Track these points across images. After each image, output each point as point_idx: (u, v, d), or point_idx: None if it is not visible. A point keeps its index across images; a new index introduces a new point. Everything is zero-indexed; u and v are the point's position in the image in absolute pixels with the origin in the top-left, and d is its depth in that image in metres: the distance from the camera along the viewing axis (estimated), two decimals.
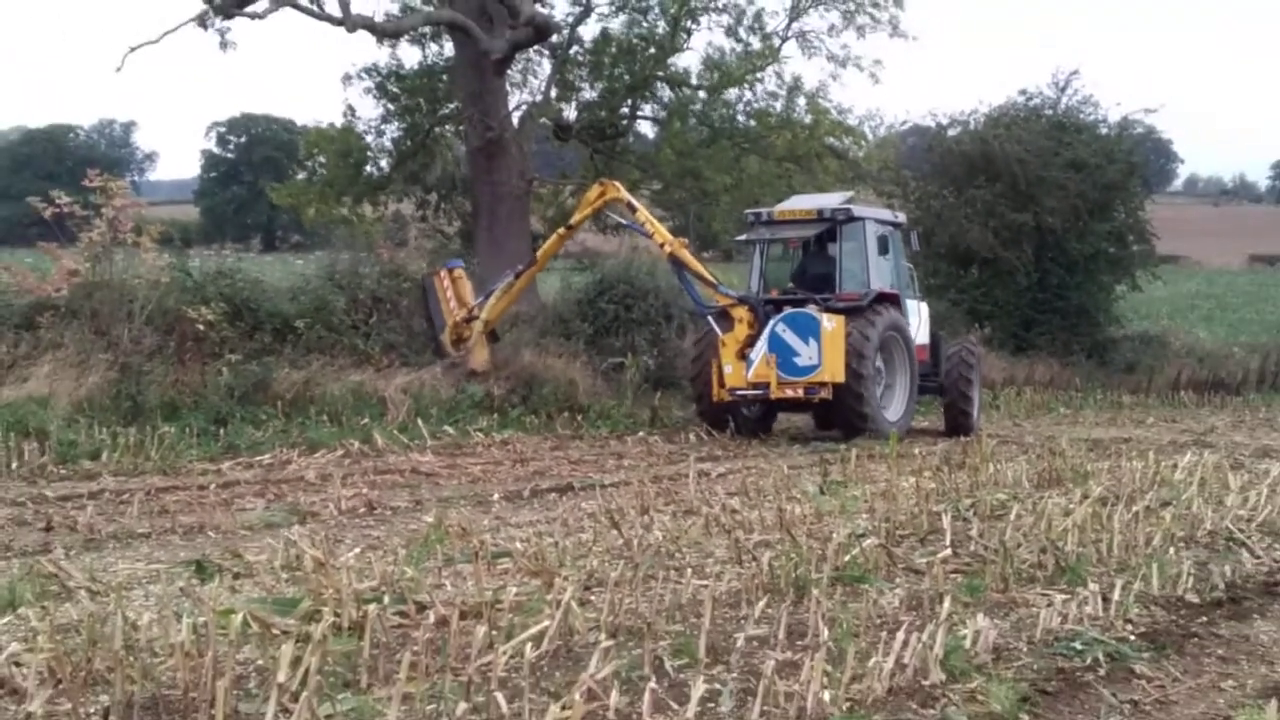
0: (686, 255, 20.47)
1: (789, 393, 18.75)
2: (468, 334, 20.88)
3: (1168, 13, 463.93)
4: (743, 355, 18.97)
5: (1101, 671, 7.19)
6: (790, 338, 18.49)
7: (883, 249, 20.39)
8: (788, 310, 19.04)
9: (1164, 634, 7.96)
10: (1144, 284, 34.28)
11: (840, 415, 19.06)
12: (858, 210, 20.50)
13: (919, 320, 20.96)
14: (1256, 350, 33.58)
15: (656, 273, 25.16)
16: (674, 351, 24.18)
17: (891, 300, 19.98)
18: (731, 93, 30.85)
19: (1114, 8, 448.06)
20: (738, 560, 9.53)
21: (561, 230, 21.88)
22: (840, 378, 18.37)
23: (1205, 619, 8.41)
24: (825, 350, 18.23)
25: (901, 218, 22.09)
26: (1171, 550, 10.16)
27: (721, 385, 19.17)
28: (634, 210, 20.66)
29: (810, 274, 20.51)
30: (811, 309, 18.82)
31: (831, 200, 21.32)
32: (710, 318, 19.66)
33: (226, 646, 6.67)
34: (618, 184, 21.44)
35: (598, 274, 24.69)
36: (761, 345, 18.77)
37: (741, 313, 19.39)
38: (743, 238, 21.45)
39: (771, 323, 18.86)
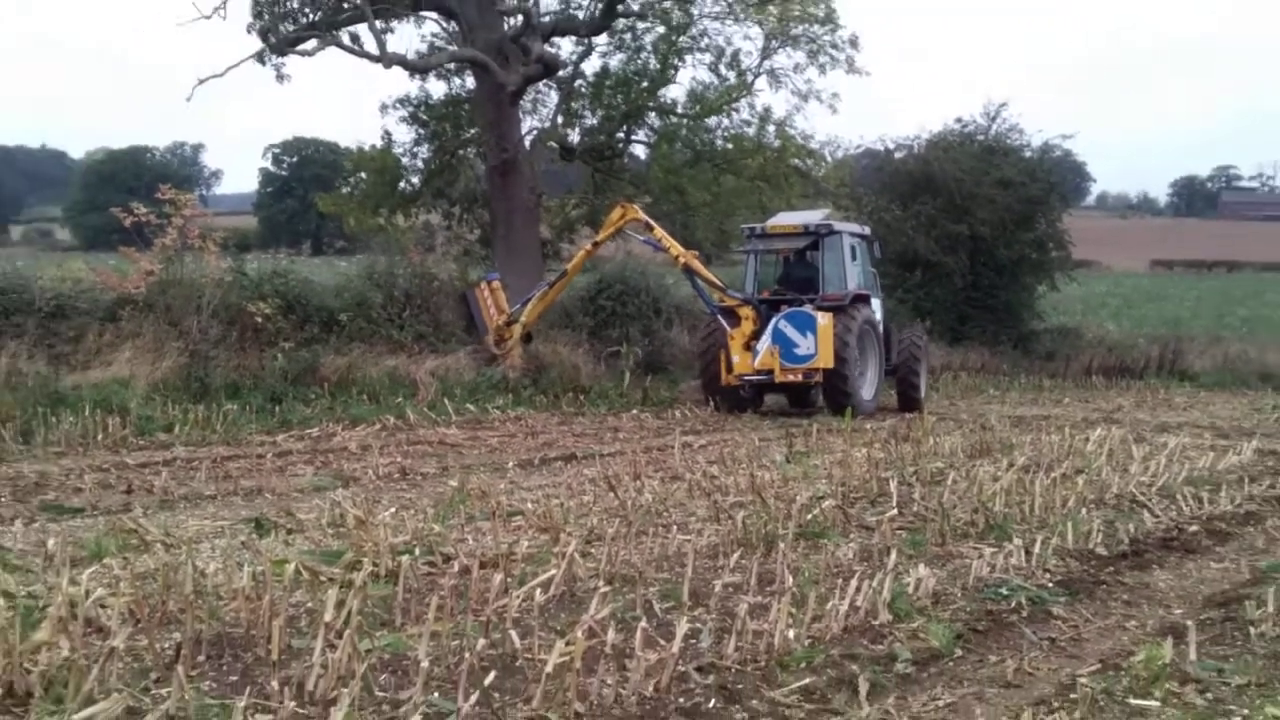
0: (698, 265, 20.71)
1: (790, 377, 19.30)
2: (508, 335, 21.05)
3: (1085, 55, 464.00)
4: (748, 346, 19.41)
5: (1024, 613, 7.21)
6: (791, 332, 19.06)
7: (855, 256, 20.71)
8: (787, 309, 19.44)
9: (1077, 582, 7.99)
10: (1061, 285, 34.20)
11: (829, 395, 19.38)
12: (836, 225, 20.72)
13: (879, 314, 21.16)
14: (1156, 341, 33.52)
15: (647, 275, 25.20)
16: (662, 341, 24.25)
17: (864, 299, 20.37)
18: (711, 120, 30.76)
19: (1039, 50, 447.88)
20: (716, 519, 9.55)
21: (588, 246, 22.02)
22: (831, 364, 18.91)
23: (1112, 569, 8.44)
24: (819, 342, 18.80)
25: (868, 230, 22.25)
26: (1084, 511, 10.20)
27: (729, 371, 19.60)
28: (651, 228, 20.80)
29: (796, 278, 20.78)
30: (809, 308, 19.24)
31: (813, 217, 21.53)
32: (719, 315, 19.91)
33: (281, 591, 6.67)
34: (636, 206, 21.61)
35: (598, 276, 24.69)
36: (766, 338, 19.24)
37: (746, 311, 19.73)
38: (741, 248, 21.76)
39: (775, 319, 19.30)
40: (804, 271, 20.67)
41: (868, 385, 19.95)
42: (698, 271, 20.52)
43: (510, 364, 20.95)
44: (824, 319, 18.94)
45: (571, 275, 21.95)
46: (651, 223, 20.98)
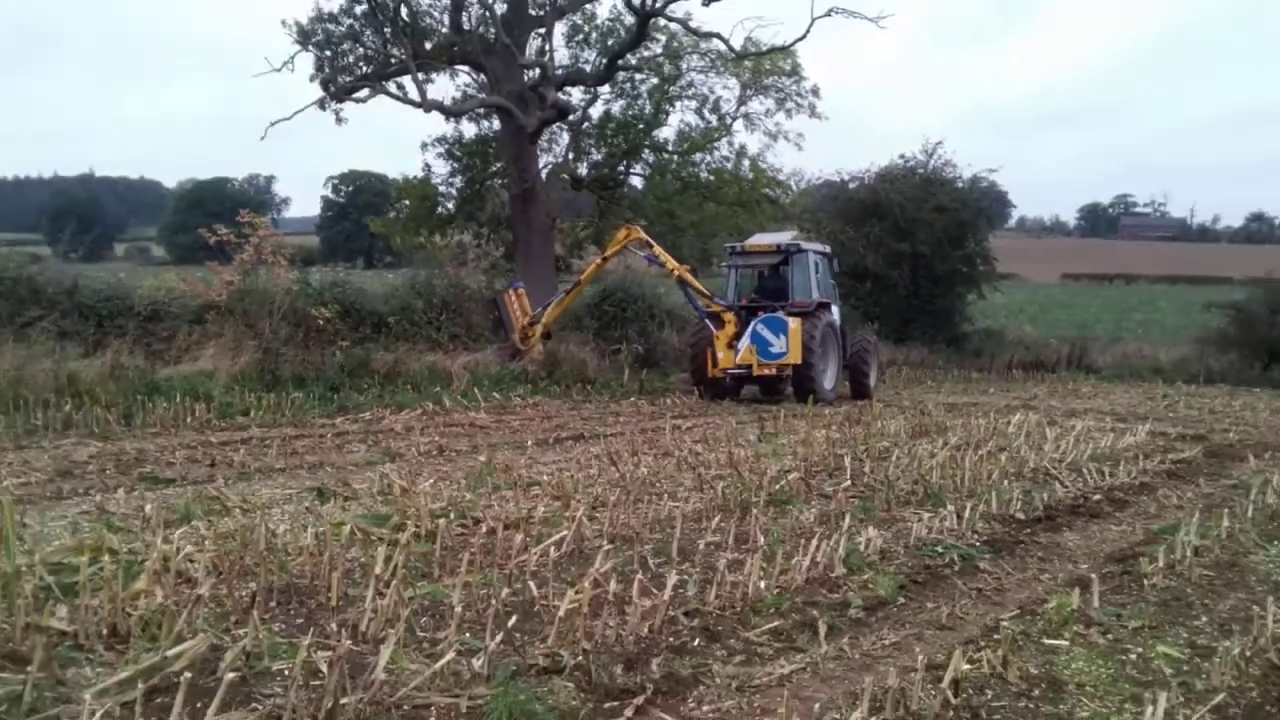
0: (690, 277, 20.80)
1: (766, 371, 19.39)
2: (531, 335, 21.07)
3: (1012, 103, 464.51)
4: (731, 345, 19.47)
5: (956, 568, 7.22)
6: (767, 333, 19.16)
7: (818, 271, 20.76)
8: (763, 314, 19.50)
9: (1000, 542, 8.00)
10: (987, 294, 34.20)
11: (798, 385, 19.41)
12: (803, 245, 20.81)
13: (838, 319, 21.24)
14: (1066, 341, 33.55)
15: (644, 285, 25.18)
16: (656, 341, 24.24)
17: (826, 306, 20.45)
18: (697, 156, 30.79)
19: (973, 99, 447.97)
20: (700, 489, 9.55)
21: (598, 261, 21.98)
22: (799, 360, 19.08)
23: (1029, 531, 8.45)
24: (790, 342, 18.97)
25: (828, 249, 22.28)
26: (1005, 482, 10.21)
27: (715, 366, 19.69)
28: (651, 246, 20.84)
29: (770, 288, 20.84)
30: (781, 314, 19.35)
31: (784, 237, 21.74)
32: (707, 319, 20.00)
33: (338, 548, 6.68)
34: (639, 228, 21.64)
35: (603, 286, 24.65)
36: (746, 338, 19.32)
37: (729, 316, 19.77)
38: (723, 263, 21.84)
39: (753, 323, 19.37)
40: (776, 283, 20.68)
41: (829, 378, 19.99)
42: (689, 283, 20.58)
43: (532, 357, 20.98)
44: (794, 323, 19.07)
45: (584, 285, 21.98)
46: (651, 242, 21.00)
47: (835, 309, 21.18)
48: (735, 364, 19.44)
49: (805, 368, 19.14)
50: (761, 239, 21.97)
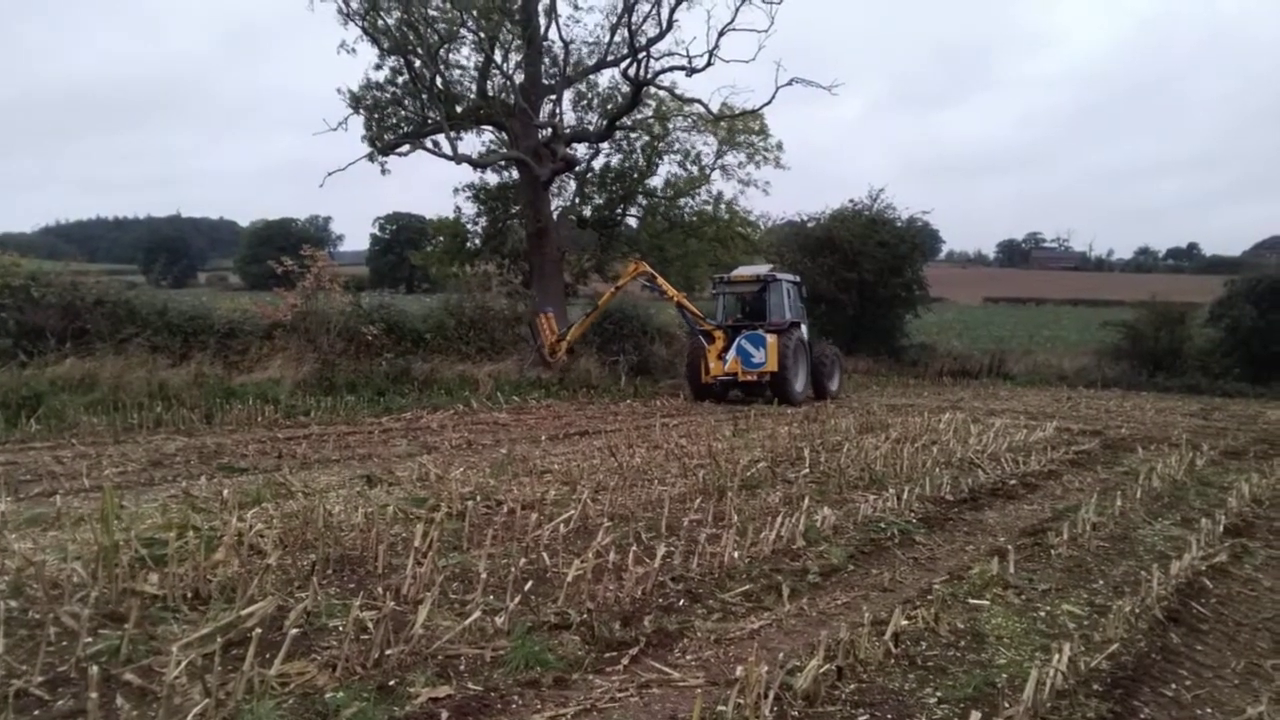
0: (687, 303, 20.85)
1: (749, 378, 19.45)
2: (558, 349, 21.12)
3: (940, 157, 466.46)
4: (720, 357, 19.57)
5: (896, 541, 7.24)
6: (749, 347, 19.27)
7: (790, 296, 20.87)
8: (745, 332, 19.60)
9: (933, 519, 8.01)
10: (922, 314, 34.23)
11: (776, 390, 19.45)
12: (778, 275, 20.91)
13: (807, 335, 21.35)
14: (987, 352, 33.51)
15: (638, 308, 25.17)
16: (648, 354, 24.20)
17: (797, 325, 20.58)
18: (681, 200, 30.83)
19: (907, 153, 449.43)
20: (684, 475, 9.56)
21: (612, 289, 21.96)
22: (776, 368, 19.15)
23: (957, 510, 8.47)
24: (769, 354, 19.07)
25: (799, 278, 22.31)
26: (937, 470, 10.23)
27: (707, 374, 19.79)
28: (654, 278, 20.92)
29: (751, 311, 20.83)
30: (761, 331, 19.47)
31: (762, 269, 21.82)
32: (700, 336, 20.06)
33: (384, 525, 6.67)
34: (645, 263, 21.65)
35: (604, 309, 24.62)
36: (732, 351, 19.42)
37: (718, 334, 19.88)
38: (712, 291, 21.90)
39: (738, 339, 19.48)
40: (758, 306, 20.74)
41: (799, 383, 20.09)
42: (686, 307, 20.71)
43: (559, 367, 21.10)
44: (771, 338, 19.20)
45: (601, 309, 21.97)
46: (655, 274, 21.12)
47: (804, 327, 21.32)
48: (724, 372, 19.56)
49: (781, 375, 19.24)
50: (744, 271, 22.13)
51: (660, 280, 20.95)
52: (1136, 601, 5.55)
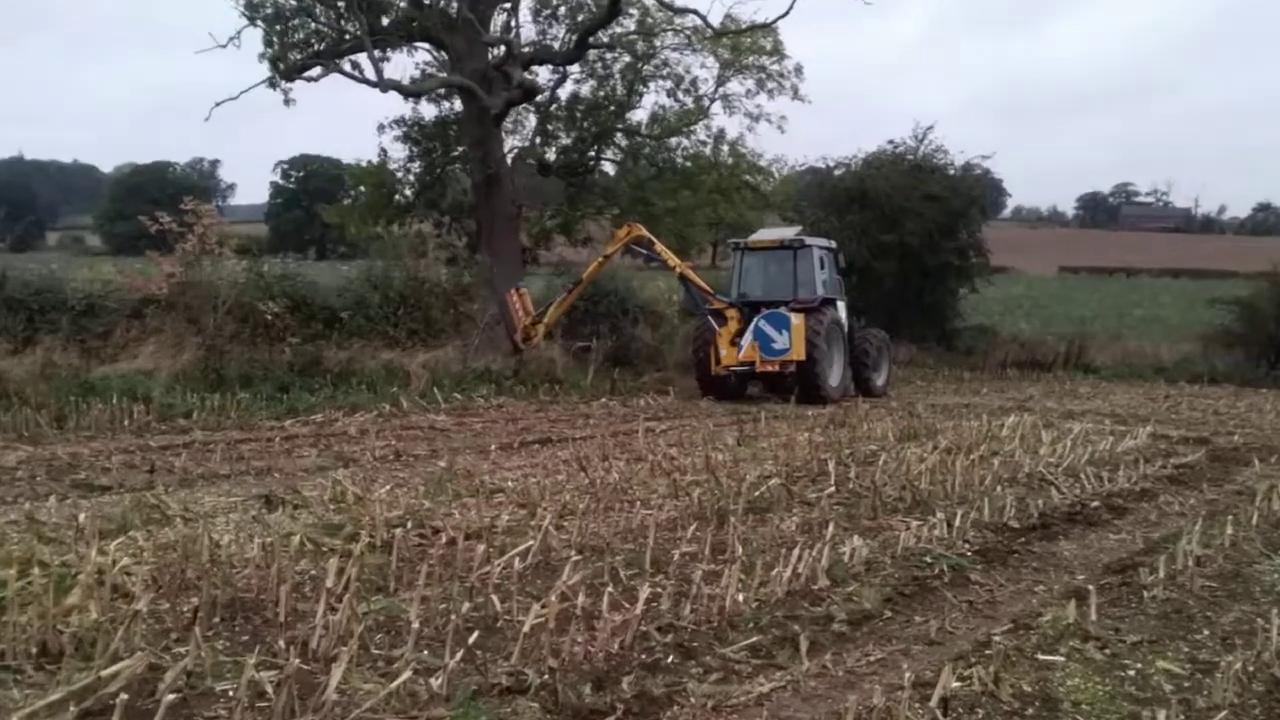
0: (691, 274, 21.05)
1: (769, 368, 19.63)
2: (534, 333, 21.27)
3: (1006, 89, 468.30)
4: (734, 342, 19.75)
5: (946, 579, 7.26)
6: (769, 330, 19.46)
7: (823, 266, 21.00)
8: (766, 311, 19.73)
9: (993, 551, 8.04)
10: (980, 287, 34.35)
11: (802, 384, 19.62)
12: (808, 240, 21.04)
13: (844, 315, 21.46)
14: (1063, 338, 33.67)
15: (615, 278, 25.15)
16: (629, 337, 24.20)
17: (831, 303, 20.75)
18: (672, 140, 30.83)
19: (967, 87, 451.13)
20: (675, 495, 9.56)
21: (599, 259, 22.01)
22: (803, 356, 19.32)
23: (1024, 540, 8.50)
24: (793, 338, 19.24)
25: (834, 244, 22.33)
26: (999, 488, 10.27)
27: (718, 363, 19.96)
28: (652, 244, 20.98)
29: (773, 283, 20.87)
30: (784, 310, 19.60)
31: (788, 232, 21.95)
32: (709, 317, 20.20)
33: (287, 560, 6.64)
34: (640, 226, 21.69)
35: (570, 279, 24.59)
36: (749, 335, 19.61)
37: (733, 313, 20.05)
38: (727, 262, 22.02)
39: (756, 319, 19.65)
40: (782, 278, 20.85)
41: (834, 375, 20.27)
42: (691, 280, 20.84)
43: (534, 353, 21.28)
44: (797, 319, 19.35)
45: (586, 283, 22.01)
46: (653, 239, 21.18)
47: (841, 305, 21.43)
48: (738, 361, 19.71)
49: (810, 364, 19.40)
50: (766, 234, 22.28)
51: (659, 247, 21.03)
52: (1250, 657, 5.60)
